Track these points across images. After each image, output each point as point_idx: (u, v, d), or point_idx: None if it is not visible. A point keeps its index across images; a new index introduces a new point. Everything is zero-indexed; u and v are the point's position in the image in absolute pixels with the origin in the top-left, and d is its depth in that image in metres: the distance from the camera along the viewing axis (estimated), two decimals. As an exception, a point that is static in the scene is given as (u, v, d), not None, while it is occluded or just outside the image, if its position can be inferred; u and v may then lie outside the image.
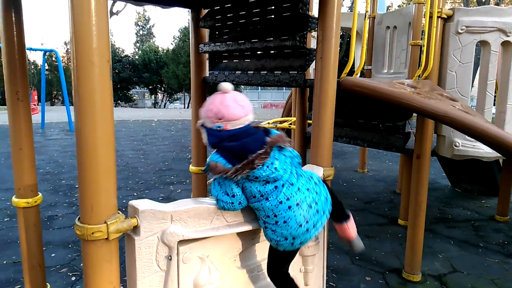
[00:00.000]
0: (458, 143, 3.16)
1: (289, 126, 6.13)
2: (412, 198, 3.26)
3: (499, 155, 3.24)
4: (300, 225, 1.70)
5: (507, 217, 4.91)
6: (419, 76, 3.26)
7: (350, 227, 2.04)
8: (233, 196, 1.65)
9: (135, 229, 1.51)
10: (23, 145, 2.45)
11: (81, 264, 3.52)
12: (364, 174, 7.33)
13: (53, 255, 3.68)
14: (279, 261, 1.83)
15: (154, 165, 7.73)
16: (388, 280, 3.37)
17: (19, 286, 3.08)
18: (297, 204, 1.70)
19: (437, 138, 3.42)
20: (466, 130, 2.20)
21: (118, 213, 1.47)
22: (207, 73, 3.58)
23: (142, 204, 1.53)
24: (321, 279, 2.19)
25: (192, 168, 3.60)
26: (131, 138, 11.21)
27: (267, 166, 1.66)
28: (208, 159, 1.71)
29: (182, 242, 1.57)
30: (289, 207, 1.69)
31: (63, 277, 3.30)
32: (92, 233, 1.38)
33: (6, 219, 4.58)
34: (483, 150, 3.15)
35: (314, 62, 2.48)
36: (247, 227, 1.71)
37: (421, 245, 3.32)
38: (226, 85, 1.73)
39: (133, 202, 1.55)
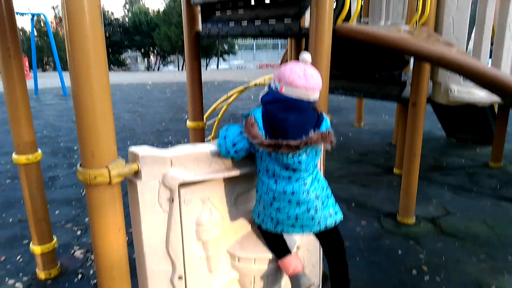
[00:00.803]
0: (454, 89, 3.16)
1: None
2: (407, 146, 3.32)
3: (493, 100, 3.27)
4: (289, 218, 1.70)
5: (500, 163, 5.01)
6: (416, 23, 3.22)
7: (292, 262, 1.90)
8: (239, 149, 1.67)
9: (137, 174, 1.55)
10: (19, 103, 2.45)
11: (86, 220, 3.63)
12: (360, 128, 7.39)
13: (57, 212, 3.78)
14: (265, 237, 1.88)
15: (151, 126, 7.74)
16: (383, 224, 3.50)
17: (26, 241, 3.18)
18: (297, 203, 1.68)
19: (433, 85, 3.42)
20: (463, 71, 2.20)
21: (119, 158, 1.51)
22: (200, 27, 3.51)
23: (142, 150, 1.56)
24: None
25: (189, 123, 3.62)
26: (126, 101, 11.14)
27: (292, 155, 1.63)
28: (252, 111, 1.68)
29: (182, 185, 1.62)
30: (289, 201, 1.68)
31: (69, 231, 3.41)
32: (95, 178, 1.42)
33: (8, 181, 4.65)
34: (478, 96, 3.16)
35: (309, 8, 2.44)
36: (245, 171, 1.75)
37: (415, 189, 3.41)
38: (307, 56, 1.68)
39: (133, 148, 1.58)
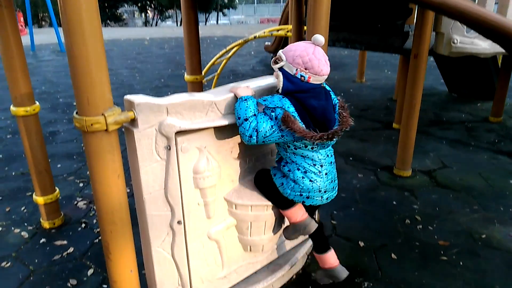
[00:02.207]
0: (456, 39, 3.10)
1: (286, 34, 5.94)
2: (407, 99, 3.30)
3: (497, 51, 3.20)
4: (320, 190, 1.81)
5: (500, 118, 5.01)
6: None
7: (331, 257, 2.10)
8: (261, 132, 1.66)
9: (133, 122, 1.56)
10: (14, 53, 2.41)
11: (87, 172, 3.70)
12: (362, 84, 7.31)
13: (59, 165, 3.84)
14: (273, 196, 1.92)
15: (150, 83, 7.67)
16: (379, 176, 3.56)
17: (30, 193, 3.25)
18: (326, 174, 1.82)
19: (436, 36, 3.34)
20: (464, 17, 2.13)
21: (115, 106, 1.51)
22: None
23: (137, 98, 1.56)
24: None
25: (187, 77, 3.58)
26: (124, 57, 10.95)
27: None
28: (277, 101, 1.64)
29: (179, 133, 1.63)
30: (319, 172, 1.79)
31: (71, 183, 3.48)
32: (91, 125, 1.42)
33: (8, 136, 4.68)
34: (481, 47, 3.10)
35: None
36: (242, 119, 1.76)
37: (413, 142, 3.44)
38: (321, 38, 1.65)
39: (128, 97, 1.57)
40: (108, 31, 18.40)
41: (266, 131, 1.65)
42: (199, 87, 3.61)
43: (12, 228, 2.83)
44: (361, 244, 2.61)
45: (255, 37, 5.87)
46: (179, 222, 1.75)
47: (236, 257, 2.08)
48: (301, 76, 1.63)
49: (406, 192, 3.28)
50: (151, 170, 1.63)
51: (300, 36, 4.40)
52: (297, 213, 1.95)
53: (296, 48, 1.65)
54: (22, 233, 2.77)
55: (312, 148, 1.75)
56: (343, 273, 2.09)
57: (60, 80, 7.86)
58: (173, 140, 1.62)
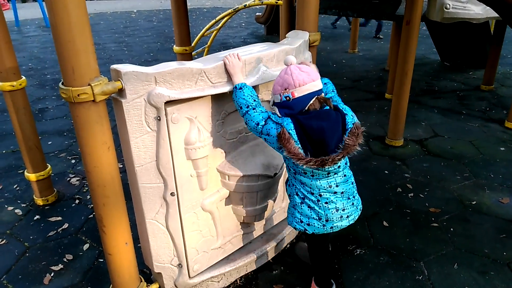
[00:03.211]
0: (449, 5, 3.04)
1: (276, 2, 5.80)
2: (399, 66, 3.27)
3: (489, 15, 3.16)
4: (337, 210, 1.70)
5: (492, 86, 5.01)
6: None
7: None
8: (268, 134, 1.61)
9: (121, 92, 1.52)
10: (-5, 26, 2.33)
11: (79, 149, 3.66)
12: (354, 54, 7.24)
13: (50, 142, 3.79)
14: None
15: (139, 57, 7.53)
16: (371, 146, 3.57)
17: (21, 171, 3.22)
18: (342, 193, 1.71)
19: (428, 2, 3.29)
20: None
21: (101, 76, 1.47)
22: None
23: (124, 67, 1.52)
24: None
25: (176, 48, 3.51)
26: (112, 31, 10.68)
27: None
28: (280, 119, 1.61)
29: (169, 103, 1.60)
30: (335, 192, 1.69)
31: (63, 160, 3.45)
32: (78, 95, 1.39)
33: (-3, 114, 4.60)
34: (474, 12, 3.06)
35: None
36: (232, 88, 1.72)
37: (405, 112, 3.44)
38: (291, 58, 1.64)
39: (115, 66, 1.53)
40: (94, 4, 17.84)
41: (269, 130, 1.62)
42: (189, 58, 3.53)
43: (6, 206, 2.82)
44: (354, 212, 2.64)
45: (245, 6, 5.72)
46: (172, 194, 1.74)
47: (230, 228, 2.09)
48: (286, 97, 1.61)
49: (397, 161, 3.30)
50: (142, 142, 1.61)
51: (290, 4, 4.30)
52: None
53: (275, 82, 1.67)
54: (16, 211, 2.76)
55: (312, 175, 1.66)
56: None
57: (47, 56, 7.67)
58: (163, 111, 1.59)
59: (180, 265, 1.92)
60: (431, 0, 3.18)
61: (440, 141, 3.66)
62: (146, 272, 2.16)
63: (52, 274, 2.19)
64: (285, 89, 1.61)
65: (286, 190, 1.84)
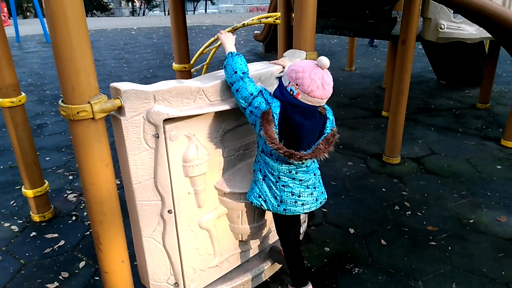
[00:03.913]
0: (444, 25, 3.10)
1: (274, 21, 5.87)
2: (395, 84, 3.31)
3: (483, 36, 3.22)
4: (293, 195, 1.76)
5: (488, 104, 5.06)
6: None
7: None
8: (256, 107, 1.63)
9: (120, 109, 1.54)
10: (-4, 44, 2.36)
11: (77, 165, 3.66)
12: (351, 72, 7.32)
13: (47, 158, 3.79)
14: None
15: (138, 73, 7.59)
16: (368, 164, 3.58)
17: (19, 187, 3.21)
18: (300, 181, 1.77)
19: (423, 22, 3.35)
20: (451, 0, 2.12)
21: (101, 94, 1.48)
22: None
23: (123, 85, 1.53)
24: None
25: (175, 65, 3.55)
26: (112, 47, 10.79)
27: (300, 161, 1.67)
28: (270, 98, 1.65)
29: (167, 121, 1.61)
30: (293, 179, 1.75)
31: (61, 176, 3.44)
32: (77, 113, 1.40)
33: (-5, 129, 4.61)
34: (468, 32, 3.12)
35: None
36: (229, 106, 1.74)
37: (402, 129, 3.46)
38: (325, 61, 1.60)
39: (114, 84, 1.55)
40: (94, 21, 18.09)
41: (259, 100, 1.65)
42: (188, 76, 3.58)
43: (2, 222, 2.80)
44: (351, 231, 2.64)
45: (243, 25, 5.79)
46: (169, 211, 1.74)
47: (227, 246, 2.08)
48: (291, 90, 1.61)
49: (395, 179, 3.31)
50: (140, 159, 1.61)
51: (288, 23, 4.37)
52: None
53: (299, 64, 1.64)
54: (12, 227, 2.75)
55: (277, 159, 1.72)
56: None
57: (47, 71, 7.73)
58: (161, 128, 1.60)
59: (176, 284, 1.90)
60: (426, 20, 3.24)
61: (437, 159, 3.68)
62: (142, 290, 2.14)
63: (46, 292, 2.16)
64: (297, 85, 1.60)
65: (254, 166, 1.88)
